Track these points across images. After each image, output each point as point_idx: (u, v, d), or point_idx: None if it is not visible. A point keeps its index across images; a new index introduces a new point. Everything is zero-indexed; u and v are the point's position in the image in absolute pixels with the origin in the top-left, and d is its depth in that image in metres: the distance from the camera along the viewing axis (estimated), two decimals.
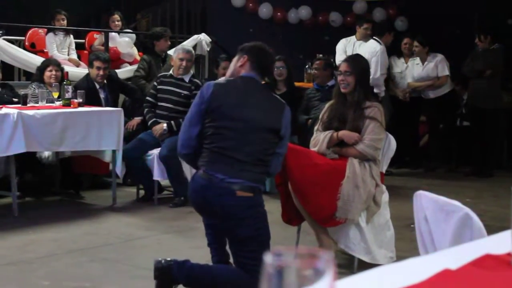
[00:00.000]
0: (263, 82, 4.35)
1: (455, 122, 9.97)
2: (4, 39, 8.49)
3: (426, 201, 2.58)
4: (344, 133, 4.87)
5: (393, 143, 5.16)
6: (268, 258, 0.77)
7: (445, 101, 9.41)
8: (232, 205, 3.91)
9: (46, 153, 7.33)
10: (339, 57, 8.75)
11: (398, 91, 9.57)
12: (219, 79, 4.26)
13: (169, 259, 3.97)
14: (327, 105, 5.14)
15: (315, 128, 5.10)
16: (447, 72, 9.32)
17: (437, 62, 9.33)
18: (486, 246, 1.71)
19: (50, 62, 7.56)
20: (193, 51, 7.48)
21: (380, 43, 8.65)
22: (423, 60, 9.43)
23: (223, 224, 4.02)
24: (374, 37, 8.77)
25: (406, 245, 5.13)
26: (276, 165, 4.14)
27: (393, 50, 9.77)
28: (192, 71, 7.47)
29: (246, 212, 3.96)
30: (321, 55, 8.52)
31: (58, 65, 7.49)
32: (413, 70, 9.49)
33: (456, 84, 9.69)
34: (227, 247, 4.19)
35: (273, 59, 4.42)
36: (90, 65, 7.55)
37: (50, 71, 7.37)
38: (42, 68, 7.46)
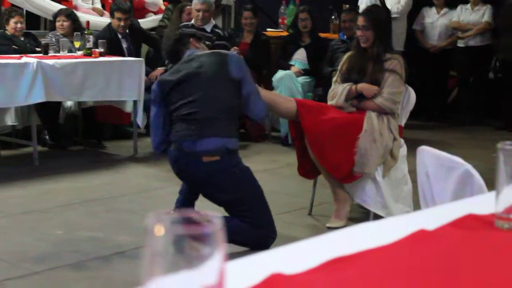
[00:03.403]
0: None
1: (487, 75, 9.72)
2: None
3: (428, 157, 2.50)
4: (363, 86, 4.75)
5: (412, 96, 5.02)
6: (150, 222, 0.70)
7: (478, 53, 9.21)
8: (201, 172, 3.92)
9: (69, 103, 7.32)
10: None
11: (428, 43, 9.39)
12: (163, 75, 4.32)
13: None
14: (345, 56, 5.01)
15: (333, 79, 4.98)
16: (489, 20, 9.12)
17: (486, 9, 9.15)
18: (471, 206, 1.62)
19: (60, 12, 7.48)
20: (211, 1, 7.30)
21: None
22: (473, 6, 9.24)
23: (202, 191, 4.11)
24: None
25: None
26: (256, 107, 4.12)
27: (425, 1, 9.54)
28: (213, 21, 7.34)
29: (217, 177, 3.93)
30: (347, 5, 8.31)
31: (67, 15, 7.40)
32: (454, 16, 9.30)
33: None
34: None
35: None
36: (111, 15, 7.46)
37: (58, 21, 7.31)
38: (54, 18, 7.42)
